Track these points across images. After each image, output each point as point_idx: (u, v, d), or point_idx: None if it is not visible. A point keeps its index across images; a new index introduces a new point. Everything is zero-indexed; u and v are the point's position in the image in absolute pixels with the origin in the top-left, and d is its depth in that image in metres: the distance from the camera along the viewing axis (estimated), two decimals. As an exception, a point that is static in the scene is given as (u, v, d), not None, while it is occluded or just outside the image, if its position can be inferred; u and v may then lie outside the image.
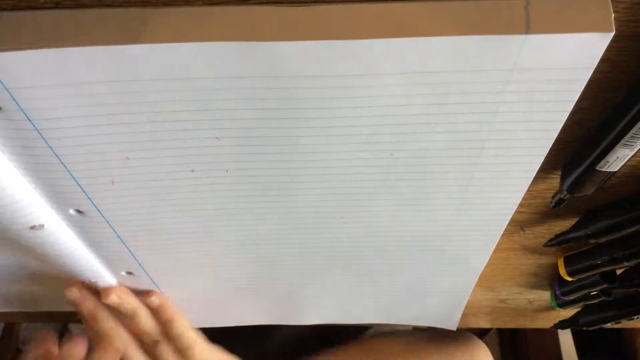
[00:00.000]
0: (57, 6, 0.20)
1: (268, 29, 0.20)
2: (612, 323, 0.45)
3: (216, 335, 0.44)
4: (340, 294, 0.42)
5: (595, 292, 0.45)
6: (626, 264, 0.36)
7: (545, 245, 0.39)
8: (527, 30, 0.19)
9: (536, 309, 0.55)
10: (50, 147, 0.24)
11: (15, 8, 0.20)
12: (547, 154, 0.26)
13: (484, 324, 0.60)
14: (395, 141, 0.25)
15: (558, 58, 0.20)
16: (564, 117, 0.24)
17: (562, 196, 0.31)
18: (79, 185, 0.27)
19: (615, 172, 0.27)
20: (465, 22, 0.20)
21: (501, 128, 0.24)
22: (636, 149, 0.25)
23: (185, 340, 0.38)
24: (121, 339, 0.36)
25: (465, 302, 0.46)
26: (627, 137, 0.24)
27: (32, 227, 0.28)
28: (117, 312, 0.36)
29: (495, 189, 0.29)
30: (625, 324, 0.60)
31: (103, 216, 0.30)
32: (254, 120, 0.23)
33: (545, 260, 0.44)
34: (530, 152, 0.26)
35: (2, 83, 0.20)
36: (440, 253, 0.36)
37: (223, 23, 0.20)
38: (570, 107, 0.23)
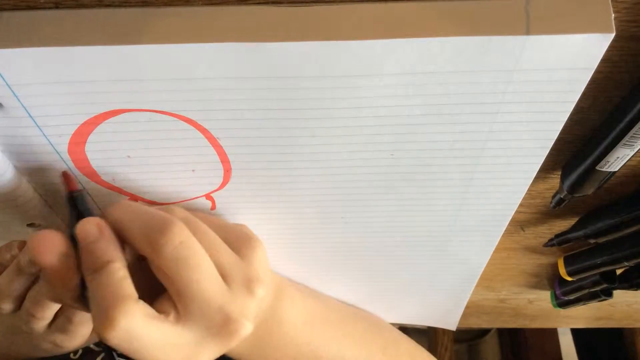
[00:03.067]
0: (57, 6, 0.20)
1: (268, 29, 0.20)
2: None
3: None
4: (340, 294, 0.42)
5: (595, 292, 0.45)
6: (626, 264, 0.36)
7: (545, 245, 0.39)
8: (528, 31, 0.19)
9: (536, 309, 0.55)
10: (52, 145, 0.24)
11: (15, 8, 0.20)
12: (547, 154, 0.26)
13: (484, 324, 0.60)
14: (395, 141, 0.25)
15: (558, 59, 0.20)
16: (565, 117, 0.24)
17: (562, 196, 0.31)
18: (81, 183, 0.27)
19: (615, 172, 0.27)
20: (466, 22, 0.20)
21: (502, 129, 0.24)
22: (636, 149, 0.25)
23: None
24: None
25: (465, 302, 0.46)
26: (627, 137, 0.24)
27: (30, 225, 0.28)
28: None
29: (496, 189, 0.29)
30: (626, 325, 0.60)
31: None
32: (254, 121, 0.23)
33: (545, 260, 0.44)
34: (530, 152, 0.26)
35: (3, 79, 0.20)
36: (441, 253, 0.36)
37: (223, 23, 0.20)
38: (570, 107, 0.23)
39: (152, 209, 0.25)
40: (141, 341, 0.23)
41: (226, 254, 0.26)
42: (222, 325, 0.24)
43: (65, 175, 0.26)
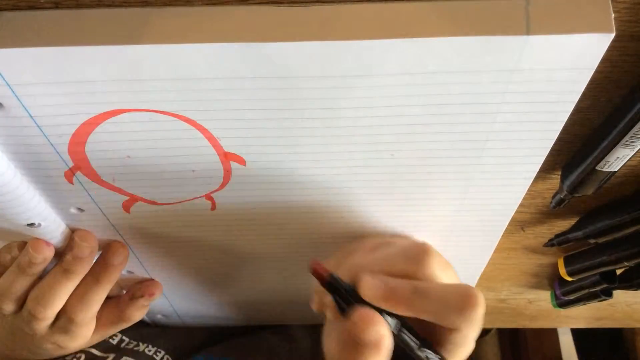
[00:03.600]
0: (57, 6, 0.20)
1: (268, 29, 0.20)
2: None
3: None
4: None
5: (595, 292, 0.45)
6: (626, 264, 0.36)
7: (545, 245, 0.39)
8: (528, 31, 0.19)
9: (536, 309, 0.55)
10: (52, 145, 0.24)
11: (15, 8, 0.20)
12: (547, 154, 0.26)
13: (484, 324, 0.60)
14: (395, 141, 0.25)
15: (558, 59, 0.20)
16: (565, 117, 0.24)
17: (562, 196, 0.31)
18: (81, 183, 0.27)
19: (615, 172, 0.27)
20: (466, 22, 0.20)
21: (502, 129, 0.24)
22: (636, 149, 0.25)
23: None
24: None
25: (465, 302, 0.45)
26: (627, 137, 0.24)
27: (30, 225, 0.28)
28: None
29: (496, 189, 0.29)
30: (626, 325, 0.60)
31: (104, 214, 0.30)
32: (254, 121, 0.23)
33: (545, 260, 0.44)
34: (530, 152, 0.26)
35: (3, 79, 0.20)
36: (441, 253, 0.36)
37: (223, 23, 0.20)
38: (570, 107, 0.23)
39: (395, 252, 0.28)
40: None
41: None
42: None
43: (316, 270, 0.27)
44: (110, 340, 0.42)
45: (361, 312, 0.25)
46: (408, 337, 0.26)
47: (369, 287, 0.26)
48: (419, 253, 0.27)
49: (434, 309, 0.25)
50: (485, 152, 0.26)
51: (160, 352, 0.43)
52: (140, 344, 0.43)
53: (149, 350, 0.42)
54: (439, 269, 0.27)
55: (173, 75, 0.21)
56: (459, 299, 0.25)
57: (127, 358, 0.41)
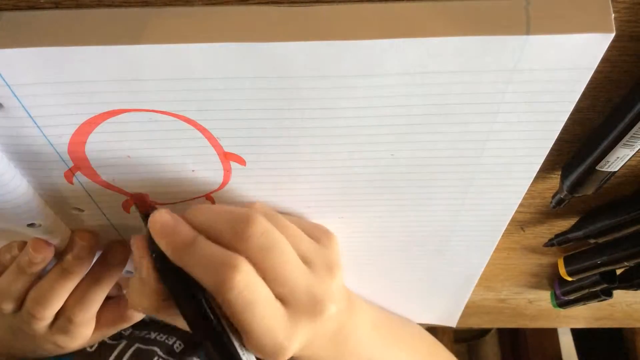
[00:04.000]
0: (57, 6, 0.20)
1: (268, 29, 0.20)
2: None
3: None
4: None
5: (595, 292, 0.45)
6: (626, 264, 0.36)
7: (545, 245, 0.39)
8: (528, 31, 0.19)
9: (536, 309, 0.55)
10: (52, 145, 0.24)
11: (15, 8, 0.20)
12: (547, 154, 0.26)
13: (484, 323, 0.60)
14: (396, 141, 0.25)
15: (558, 58, 0.20)
16: (565, 117, 0.24)
17: (562, 196, 0.31)
18: (81, 183, 0.27)
19: (615, 172, 0.27)
20: (466, 22, 0.20)
21: (502, 129, 0.24)
22: (636, 149, 0.25)
23: None
24: None
25: (465, 301, 0.46)
26: (627, 137, 0.24)
27: (30, 225, 0.28)
28: None
29: (496, 189, 0.29)
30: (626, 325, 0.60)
31: (104, 214, 0.30)
32: (254, 121, 0.23)
33: (545, 260, 0.44)
34: (530, 152, 0.26)
35: (3, 79, 0.20)
36: (441, 253, 0.37)
37: (223, 23, 0.20)
38: (570, 107, 0.23)
39: (233, 207, 0.26)
40: (255, 293, 0.24)
41: (307, 242, 0.28)
42: (310, 305, 0.26)
43: (137, 199, 0.28)
44: (122, 332, 0.42)
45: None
46: (212, 313, 0.25)
47: (155, 219, 0.25)
48: (241, 221, 0.24)
49: (197, 267, 0.24)
50: (485, 152, 0.26)
51: (172, 338, 0.43)
52: (152, 332, 0.43)
53: (161, 337, 0.42)
54: (260, 246, 0.24)
55: (173, 75, 0.21)
56: (218, 268, 0.23)
57: (140, 345, 0.41)
